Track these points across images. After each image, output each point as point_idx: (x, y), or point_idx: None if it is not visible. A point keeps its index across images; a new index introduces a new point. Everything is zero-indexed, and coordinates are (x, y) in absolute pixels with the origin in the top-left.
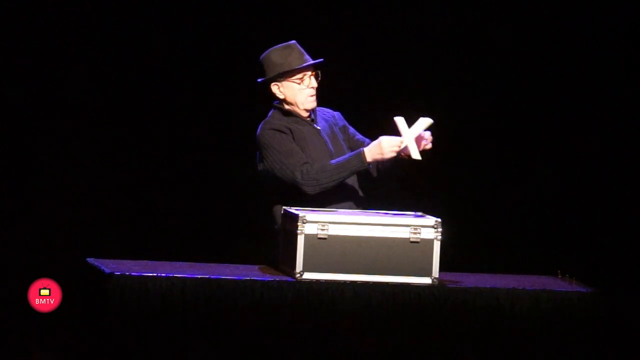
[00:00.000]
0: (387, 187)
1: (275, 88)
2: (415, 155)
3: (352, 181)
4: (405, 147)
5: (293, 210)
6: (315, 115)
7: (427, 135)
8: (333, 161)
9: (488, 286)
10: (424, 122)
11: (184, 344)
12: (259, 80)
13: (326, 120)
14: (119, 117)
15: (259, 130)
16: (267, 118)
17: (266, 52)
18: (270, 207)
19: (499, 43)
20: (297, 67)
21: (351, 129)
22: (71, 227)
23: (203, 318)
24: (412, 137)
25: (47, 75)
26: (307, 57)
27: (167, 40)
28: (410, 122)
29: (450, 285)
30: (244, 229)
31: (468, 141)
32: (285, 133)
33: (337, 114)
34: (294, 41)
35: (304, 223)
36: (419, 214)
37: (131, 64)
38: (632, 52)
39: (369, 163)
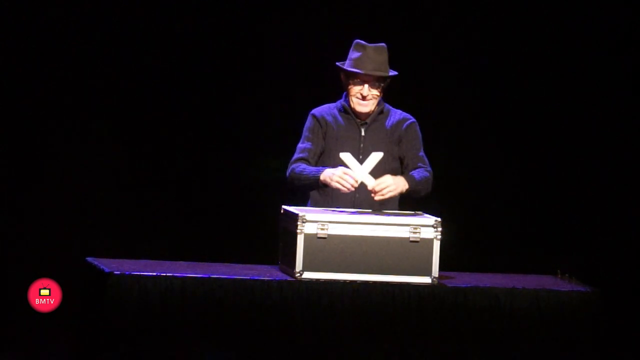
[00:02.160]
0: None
1: (342, 77)
2: (371, 184)
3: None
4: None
5: (293, 209)
6: (380, 119)
7: (381, 189)
8: (308, 169)
9: (488, 286)
10: (376, 156)
11: (184, 343)
12: (336, 63)
13: (388, 126)
14: (119, 117)
15: None
16: (330, 103)
17: (358, 40)
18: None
19: (500, 43)
20: (347, 69)
21: (408, 143)
22: (71, 227)
23: (203, 318)
24: (365, 172)
25: (47, 76)
26: (371, 65)
27: (168, 39)
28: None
29: (450, 285)
30: (244, 229)
31: (468, 141)
32: (318, 121)
33: (407, 122)
34: (383, 44)
35: (304, 222)
36: (419, 213)
37: (132, 64)
38: (632, 52)
39: (322, 183)
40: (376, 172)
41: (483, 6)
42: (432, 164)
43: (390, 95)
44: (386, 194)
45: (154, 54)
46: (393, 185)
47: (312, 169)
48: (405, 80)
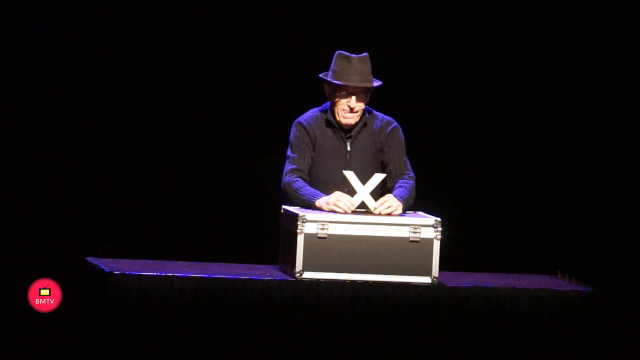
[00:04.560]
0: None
1: (326, 88)
2: (372, 204)
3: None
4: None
5: (293, 209)
6: (363, 131)
7: (384, 208)
8: (305, 190)
9: (488, 285)
10: (378, 177)
11: (184, 343)
12: (320, 75)
13: (371, 136)
14: (119, 117)
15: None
16: (313, 110)
17: (340, 51)
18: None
19: (499, 42)
20: (333, 81)
21: (391, 150)
22: (71, 227)
23: (203, 318)
24: (367, 192)
25: (47, 75)
26: (358, 77)
27: (168, 40)
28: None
29: (450, 285)
30: (244, 229)
31: (468, 141)
32: (307, 132)
33: (390, 128)
34: (365, 54)
35: (304, 222)
36: (419, 213)
37: (132, 64)
38: (633, 53)
39: (315, 208)
40: (363, 181)
41: (481, 5)
42: (431, 165)
43: (388, 98)
44: (391, 213)
45: (154, 55)
46: (395, 204)
47: (308, 191)
48: (405, 80)
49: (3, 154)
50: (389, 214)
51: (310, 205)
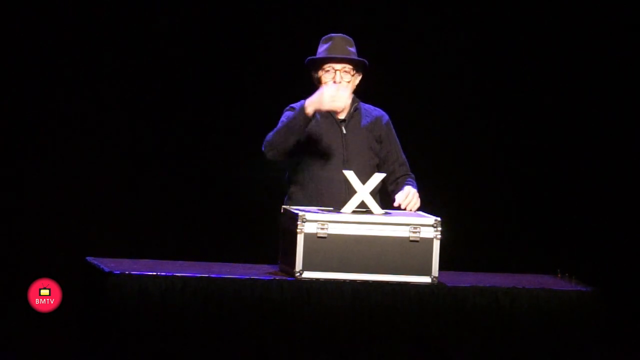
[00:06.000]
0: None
1: (313, 75)
2: (376, 210)
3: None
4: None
5: (293, 209)
6: (356, 115)
7: (410, 201)
8: (285, 118)
9: (488, 285)
10: (378, 177)
11: (184, 343)
12: (307, 58)
13: (366, 123)
14: (119, 117)
15: None
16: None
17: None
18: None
19: (500, 42)
20: (315, 57)
21: (390, 145)
22: (71, 227)
23: (203, 317)
24: (366, 192)
25: (47, 75)
26: (341, 52)
27: (169, 38)
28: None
29: (449, 284)
30: (244, 229)
31: (468, 141)
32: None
33: (384, 118)
34: (349, 38)
35: (304, 222)
36: (419, 212)
37: (132, 64)
38: (633, 53)
39: (311, 114)
40: (360, 169)
41: (481, 4)
42: (431, 164)
43: (388, 97)
44: (415, 205)
45: (154, 55)
46: (416, 200)
47: (288, 115)
48: (405, 80)
49: (3, 154)
50: (414, 207)
51: (304, 116)
